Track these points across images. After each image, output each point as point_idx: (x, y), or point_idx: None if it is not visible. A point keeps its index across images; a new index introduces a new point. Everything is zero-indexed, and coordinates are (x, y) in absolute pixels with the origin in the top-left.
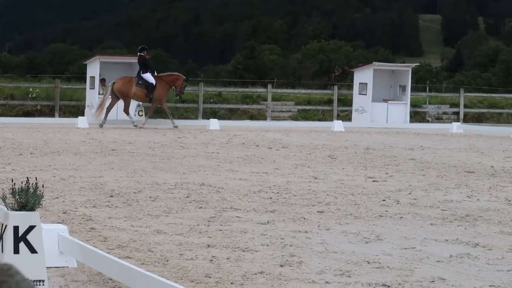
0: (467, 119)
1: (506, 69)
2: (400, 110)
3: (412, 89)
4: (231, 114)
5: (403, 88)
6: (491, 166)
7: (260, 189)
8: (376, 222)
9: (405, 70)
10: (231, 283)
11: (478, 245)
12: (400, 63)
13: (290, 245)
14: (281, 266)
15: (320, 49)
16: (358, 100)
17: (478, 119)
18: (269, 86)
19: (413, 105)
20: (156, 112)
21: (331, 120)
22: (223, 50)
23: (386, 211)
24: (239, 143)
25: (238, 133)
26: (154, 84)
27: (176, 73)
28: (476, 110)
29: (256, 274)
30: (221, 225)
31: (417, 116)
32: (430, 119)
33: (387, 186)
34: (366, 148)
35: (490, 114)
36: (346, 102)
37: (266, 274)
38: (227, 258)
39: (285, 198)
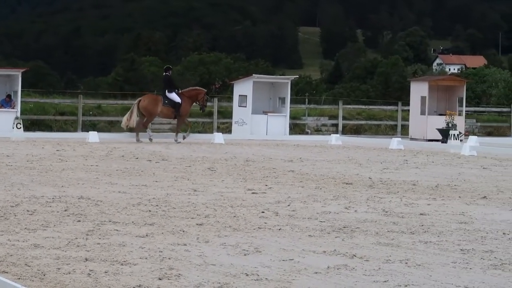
0: (346, 130)
1: (384, 81)
2: (279, 122)
3: (292, 101)
4: (110, 127)
5: (283, 100)
6: (369, 178)
7: (139, 202)
8: (255, 234)
9: (285, 82)
10: None
11: (355, 256)
12: (280, 75)
13: (169, 258)
14: (160, 279)
15: (201, 61)
16: (238, 112)
17: (356, 130)
18: None
19: (292, 117)
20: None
21: (211, 132)
22: (104, 62)
23: (265, 223)
24: (118, 155)
25: (117, 145)
26: (180, 103)
27: (197, 87)
28: (354, 122)
29: (134, 287)
30: (100, 238)
31: (296, 128)
32: (309, 131)
33: (266, 198)
34: (245, 160)
35: (368, 126)
36: (226, 114)
37: (145, 287)
38: (105, 272)
39: (164, 211)
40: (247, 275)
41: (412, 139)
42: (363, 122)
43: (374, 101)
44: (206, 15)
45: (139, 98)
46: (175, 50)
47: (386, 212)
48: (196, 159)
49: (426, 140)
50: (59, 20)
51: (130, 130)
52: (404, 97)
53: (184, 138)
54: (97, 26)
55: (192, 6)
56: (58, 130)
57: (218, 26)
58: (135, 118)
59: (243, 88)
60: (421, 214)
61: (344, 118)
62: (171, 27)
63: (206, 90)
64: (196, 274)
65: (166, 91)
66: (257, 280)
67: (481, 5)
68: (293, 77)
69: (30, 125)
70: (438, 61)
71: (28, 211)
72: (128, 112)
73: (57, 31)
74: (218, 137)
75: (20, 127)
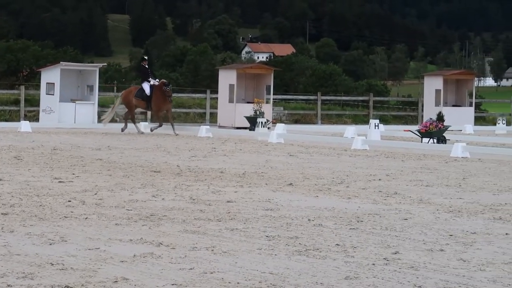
0: (155, 119)
1: (193, 69)
2: (88, 110)
3: (100, 89)
4: None
5: (91, 88)
6: (177, 166)
7: None
8: (61, 223)
9: (93, 70)
10: None
11: (162, 244)
12: (89, 63)
13: None
14: None
15: (8, 49)
16: (45, 100)
17: (165, 118)
18: None
19: (101, 105)
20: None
21: (18, 120)
22: None
23: (72, 212)
24: None
25: None
26: (149, 95)
27: (162, 80)
28: None
29: None
30: None
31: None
32: (118, 119)
33: (73, 187)
34: (53, 148)
35: (177, 114)
36: (34, 102)
37: None
38: None
39: None
40: (52, 264)
41: (220, 126)
42: (172, 109)
43: (183, 89)
44: (12, 2)
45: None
46: None
47: (194, 199)
48: (2, 148)
49: (235, 127)
50: None
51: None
52: (213, 85)
53: (151, 130)
54: None
55: None
56: None
57: (26, 13)
58: (115, 110)
59: (50, 75)
60: (228, 201)
61: None
62: None
63: (165, 81)
64: (0, 265)
65: (141, 82)
66: (62, 269)
67: None
68: (101, 64)
69: None
70: (247, 49)
71: None
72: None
73: None
74: (25, 125)
75: None
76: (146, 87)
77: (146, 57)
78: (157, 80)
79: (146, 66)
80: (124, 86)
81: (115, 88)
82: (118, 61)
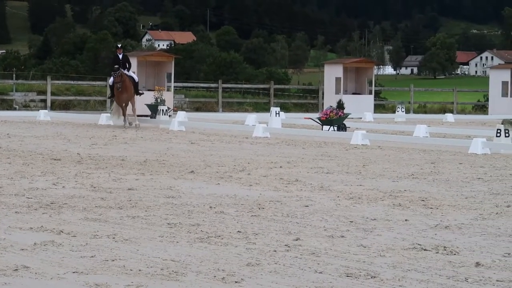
0: (55, 106)
1: (93, 57)
2: None
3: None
4: None
5: None
6: (78, 153)
7: None
8: None
9: None
10: None
11: (62, 232)
12: None
13: None
14: None
15: None
16: None
17: (65, 106)
18: None
19: (0, 92)
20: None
21: None
22: None
23: None
24: None
25: None
26: (111, 85)
27: None
28: (63, 97)
29: None
30: None
31: (4, 104)
32: (17, 106)
33: None
34: None
35: (78, 102)
36: None
37: None
38: None
39: None
40: None
41: None
42: (72, 97)
43: (83, 76)
44: None
45: None
46: None
47: (94, 187)
48: None
49: (136, 115)
50: None
51: None
52: None
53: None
54: None
55: None
56: None
57: None
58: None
59: None
60: (129, 189)
61: (52, 93)
62: None
63: (115, 67)
64: None
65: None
66: None
67: None
68: (0, 52)
69: None
70: (147, 37)
71: None
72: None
73: None
74: None
75: None
76: (110, 78)
77: (119, 45)
78: (125, 70)
79: (119, 55)
80: (23, 73)
81: (13, 75)
82: (17, 48)
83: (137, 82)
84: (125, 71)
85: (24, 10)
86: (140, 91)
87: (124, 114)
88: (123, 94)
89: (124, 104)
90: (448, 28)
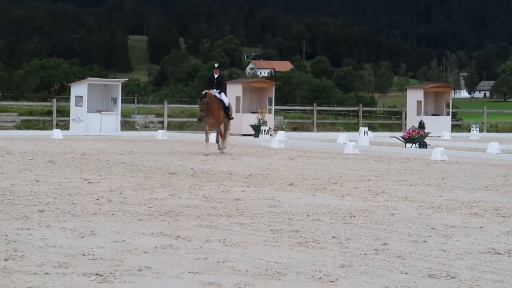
0: (171, 127)
1: (204, 83)
2: (112, 120)
3: (123, 101)
4: None
5: (115, 100)
6: (191, 168)
7: None
8: (91, 219)
9: (116, 84)
10: None
11: (179, 237)
12: (112, 78)
13: (14, 241)
14: (6, 260)
15: (41, 66)
16: (75, 111)
17: (180, 127)
18: None
19: (123, 115)
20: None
21: (51, 129)
22: None
23: (100, 209)
24: None
25: None
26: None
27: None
28: (178, 119)
29: None
30: None
31: (127, 124)
32: (138, 127)
33: (101, 187)
34: (82, 153)
35: (191, 123)
36: (64, 113)
37: None
38: None
39: (10, 199)
40: (84, 255)
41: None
42: (185, 119)
43: (195, 101)
44: (45, 24)
45: None
46: (18, 56)
47: (206, 198)
48: (38, 153)
49: (241, 135)
50: None
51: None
52: None
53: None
54: None
55: (32, 15)
56: None
57: (56, 34)
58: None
59: (79, 89)
60: (236, 199)
61: (169, 116)
62: (14, 35)
63: (203, 93)
64: (38, 255)
65: None
66: (93, 259)
67: (287, 16)
68: (123, 80)
69: None
70: (251, 66)
71: None
72: None
73: None
74: (57, 133)
75: None
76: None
77: (216, 65)
78: (217, 91)
79: (215, 75)
80: (143, 98)
81: (135, 100)
82: (137, 77)
83: (228, 106)
84: (216, 93)
85: (144, 43)
86: (232, 116)
87: (216, 140)
88: (209, 118)
89: (214, 129)
90: None
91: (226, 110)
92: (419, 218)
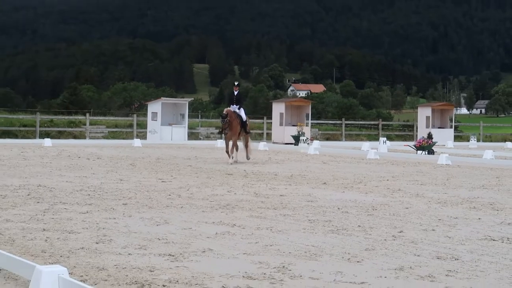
0: None
1: (253, 103)
2: (181, 131)
3: (189, 116)
4: (60, 135)
5: (183, 115)
6: (244, 170)
7: (81, 188)
8: (164, 210)
9: (184, 103)
10: (60, 256)
11: (235, 225)
12: (180, 98)
13: (103, 228)
14: (97, 243)
15: (124, 88)
16: (151, 124)
17: None
18: (87, 114)
19: (190, 127)
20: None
21: (132, 138)
22: (54, 89)
23: (171, 202)
24: (66, 155)
25: (65, 148)
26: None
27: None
28: None
29: (78, 249)
30: (53, 214)
31: (192, 135)
32: (202, 137)
33: (172, 185)
34: (157, 158)
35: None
36: (143, 125)
37: (86, 249)
38: (57, 238)
39: (100, 195)
40: (159, 239)
41: (274, 143)
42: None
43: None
44: (128, 55)
45: None
46: (105, 80)
47: (256, 194)
48: (122, 157)
49: (284, 143)
50: (21, 59)
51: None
52: (268, 114)
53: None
54: (49, 63)
55: (117, 48)
56: (22, 138)
57: (136, 62)
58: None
59: (154, 107)
60: (280, 195)
61: None
62: (102, 64)
63: (224, 112)
64: (123, 239)
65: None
66: (166, 243)
67: (320, 49)
68: (189, 99)
69: (1, 134)
70: (291, 88)
71: (1, 195)
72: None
73: (20, 66)
74: (137, 142)
75: None
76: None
77: (236, 83)
78: (237, 106)
79: (235, 92)
80: (205, 114)
81: (199, 115)
82: (200, 97)
83: (245, 121)
84: (236, 108)
85: (206, 70)
86: (249, 131)
87: (231, 151)
88: (229, 133)
89: (231, 142)
90: (507, 80)
91: (244, 124)
92: (428, 211)
